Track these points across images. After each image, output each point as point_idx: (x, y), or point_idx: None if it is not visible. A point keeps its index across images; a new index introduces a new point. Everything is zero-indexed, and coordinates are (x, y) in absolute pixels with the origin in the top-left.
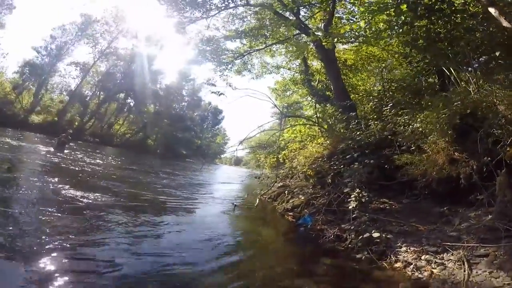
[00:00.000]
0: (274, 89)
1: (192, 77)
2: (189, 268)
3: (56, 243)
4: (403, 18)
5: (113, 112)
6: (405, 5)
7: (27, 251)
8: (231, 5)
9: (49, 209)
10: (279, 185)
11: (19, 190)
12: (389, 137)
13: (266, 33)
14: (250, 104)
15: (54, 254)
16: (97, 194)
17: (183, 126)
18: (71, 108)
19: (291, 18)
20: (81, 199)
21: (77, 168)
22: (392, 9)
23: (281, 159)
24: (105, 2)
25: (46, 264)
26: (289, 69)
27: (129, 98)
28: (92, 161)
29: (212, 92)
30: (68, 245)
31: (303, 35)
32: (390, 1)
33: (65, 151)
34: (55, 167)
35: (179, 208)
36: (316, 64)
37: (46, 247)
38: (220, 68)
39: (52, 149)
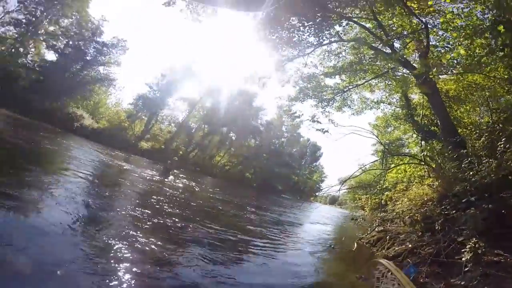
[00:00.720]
0: (375, 125)
1: (296, 113)
2: None
3: (134, 264)
4: (501, 39)
5: (215, 144)
6: (501, 26)
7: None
8: (325, 42)
9: (138, 227)
10: (379, 229)
11: (124, 206)
12: (509, 177)
13: (364, 67)
14: (348, 141)
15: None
16: (190, 224)
17: (281, 161)
18: (178, 138)
19: (386, 51)
20: (171, 222)
21: (176, 193)
22: (488, 32)
23: (383, 201)
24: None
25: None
26: (389, 103)
27: (231, 132)
28: (191, 189)
29: (317, 130)
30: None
31: (400, 67)
32: (484, 22)
33: (169, 177)
34: (158, 190)
35: (270, 244)
36: (416, 97)
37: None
38: (321, 105)
39: (157, 174)
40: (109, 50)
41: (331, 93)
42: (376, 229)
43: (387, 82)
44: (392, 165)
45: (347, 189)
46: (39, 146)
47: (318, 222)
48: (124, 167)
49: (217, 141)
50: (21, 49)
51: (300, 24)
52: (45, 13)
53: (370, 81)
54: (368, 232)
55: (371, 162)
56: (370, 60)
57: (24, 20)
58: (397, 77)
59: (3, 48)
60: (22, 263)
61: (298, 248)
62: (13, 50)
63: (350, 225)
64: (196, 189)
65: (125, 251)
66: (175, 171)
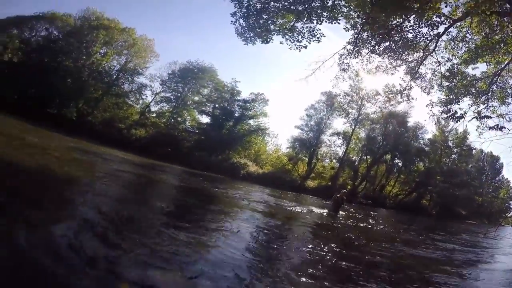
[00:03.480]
0: None
1: (457, 113)
2: None
3: None
4: None
5: (383, 174)
6: None
7: None
8: (440, 29)
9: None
10: None
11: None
12: None
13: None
14: None
15: None
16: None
17: (459, 181)
18: (342, 173)
19: None
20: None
21: (347, 232)
22: None
23: None
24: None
25: None
26: None
27: (396, 158)
28: (363, 224)
29: (490, 128)
30: None
31: None
32: None
33: (340, 212)
34: (327, 230)
35: None
36: None
37: None
38: (480, 100)
39: (326, 211)
40: (252, 104)
41: (483, 83)
42: None
43: None
44: None
45: None
46: (219, 190)
47: None
48: (290, 208)
49: (383, 170)
50: (179, 119)
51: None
52: (186, 88)
53: None
54: None
55: None
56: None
57: (172, 97)
58: None
59: (164, 120)
60: None
61: None
62: (172, 120)
63: None
64: (370, 222)
65: None
66: (345, 206)
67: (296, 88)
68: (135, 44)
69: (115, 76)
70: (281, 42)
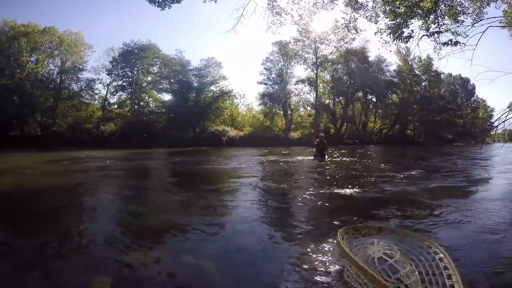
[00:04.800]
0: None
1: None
2: None
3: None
4: None
5: (360, 112)
6: None
7: None
8: None
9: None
10: None
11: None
12: None
13: None
14: (495, 56)
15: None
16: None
17: (435, 107)
18: (321, 118)
19: None
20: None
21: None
22: None
23: None
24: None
25: None
26: None
27: (368, 94)
28: (352, 164)
29: (444, 44)
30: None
31: None
32: None
33: (326, 156)
34: (317, 175)
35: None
36: None
37: None
38: (430, 20)
39: (312, 158)
40: (206, 70)
41: (429, 2)
42: None
43: None
44: None
45: None
46: (204, 165)
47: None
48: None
49: (360, 108)
50: (141, 103)
51: None
52: (134, 71)
53: None
54: None
55: None
56: None
57: (125, 84)
58: None
59: (127, 108)
60: None
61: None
62: (135, 106)
63: None
64: (356, 161)
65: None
66: (329, 149)
67: (241, 46)
68: (63, 42)
69: (58, 80)
70: None
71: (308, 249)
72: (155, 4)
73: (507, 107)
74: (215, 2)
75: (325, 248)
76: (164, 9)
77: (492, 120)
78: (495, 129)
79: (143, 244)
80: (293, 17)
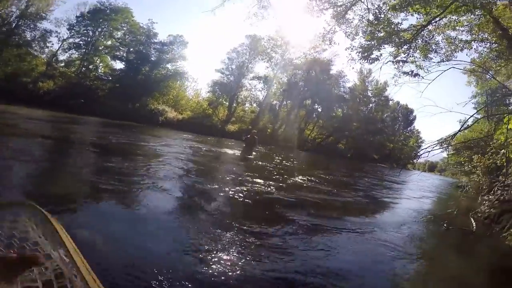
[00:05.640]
0: (472, 70)
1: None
2: None
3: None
4: None
5: (302, 119)
6: None
7: None
8: None
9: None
10: (500, 198)
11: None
12: None
13: None
14: (444, 94)
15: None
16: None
17: (374, 129)
18: (263, 117)
19: None
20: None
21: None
22: None
23: (499, 162)
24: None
25: None
26: (481, 40)
27: (316, 104)
28: (274, 165)
29: (405, 74)
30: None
31: None
32: None
33: (253, 153)
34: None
35: (366, 223)
36: None
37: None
38: (402, 49)
39: (239, 153)
40: (170, 47)
41: (409, 34)
42: (495, 200)
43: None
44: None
45: (448, 150)
46: (136, 140)
47: (420, 192)
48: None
49: (303, 115)
50: (90, 66)
51: None
52: (97, 32)
53: (448, 17)
54: (485, 204)
55: (473, 116)
56: None
57: (81, 42)
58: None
59: (74, 69)
60: None
61: (403, 228)
62: (83, 68)
63: (457, 194)
64: (284, 163)
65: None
66: (259, 147)
67: (217, 31)
68: None
69: (14, 24)
70: None
71: None
72: None
73: (436, 141)
74: None
75: None
76: None
77: (420, 150)
78: (419, 157)
79: None
80: (277, 14)
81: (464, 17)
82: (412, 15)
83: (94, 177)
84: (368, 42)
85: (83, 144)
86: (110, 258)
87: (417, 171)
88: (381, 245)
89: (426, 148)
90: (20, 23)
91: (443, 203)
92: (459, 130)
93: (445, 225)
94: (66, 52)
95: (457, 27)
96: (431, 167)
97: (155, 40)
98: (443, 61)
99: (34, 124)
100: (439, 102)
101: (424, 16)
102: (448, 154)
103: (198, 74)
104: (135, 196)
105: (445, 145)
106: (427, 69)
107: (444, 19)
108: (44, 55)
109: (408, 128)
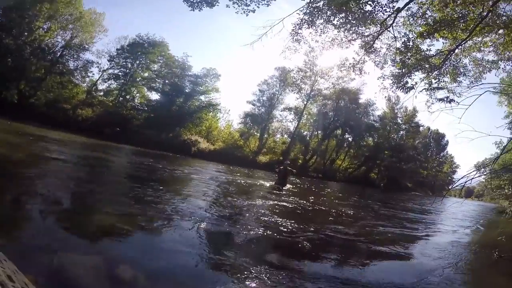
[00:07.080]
0: (502, 90)
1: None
2: None
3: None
4: None
5: (333, 149)
6: None
7: None
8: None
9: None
10: None
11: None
12: None
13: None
14: (476, 119)
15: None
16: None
17: (405, 156)
18: (294, 148)
19: None
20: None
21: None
22: None
23: None
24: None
25: None
26: (508, 59)
27: (346, 133)
28: (312, 198)
29: (440, 100)
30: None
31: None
32: None
33: (287, 185)
34: (273, 202)
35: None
36: None
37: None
38: (433, 74)
39: (273, 183)
40: (203, 79)
41: (438, 59)
42: None
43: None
44: None
45: (487, 174)
46: (170, 170)
47: (461, 219)
48: (246, 180)
49: (334, 145)
50: (128, 96)
51: None
52: (135, 64)
53: (474, 39)
54: None
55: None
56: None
57: (120, 73)
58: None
59: (112, 98)
60: None
61: (452, 257)
62: (121, 98)
63: (501, 220)
64: (319, 195)
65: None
66: (292, 178)
67: (248, 63)
68: (82, 18)
69: (59, 53)
70: (227, 6)
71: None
72: (187, 3)
73: (474, 168)
74: (246, 15)
75: None
76: (194, 10)
77: (455, 176)
78: (463, 186)
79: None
80: (310, 47)
81: (488, 38)
82: (437, 40)
83: (134, 208)
84: (399, 70)
85: (119, 173)
86: None
87: (454, 197)
88: (433, 275)
89: (466, 175)
90: (64, 52)
91: (488, 230)
92: (501, 154)
93: (496, 253)
94: (106, 82)
95: (482, 48)
96: (468, 193)
97: (189, 73)
98: (472, 83)
99: (71, 149)
100: (469, 125)
101: (451, 40)
102: (487, 180)
103: (230, 105)
104: (173, 228)
105: (487, 172)
106: (459, 93)
107: (469, 41)
108: (85, 84)
109: (441, 154)
